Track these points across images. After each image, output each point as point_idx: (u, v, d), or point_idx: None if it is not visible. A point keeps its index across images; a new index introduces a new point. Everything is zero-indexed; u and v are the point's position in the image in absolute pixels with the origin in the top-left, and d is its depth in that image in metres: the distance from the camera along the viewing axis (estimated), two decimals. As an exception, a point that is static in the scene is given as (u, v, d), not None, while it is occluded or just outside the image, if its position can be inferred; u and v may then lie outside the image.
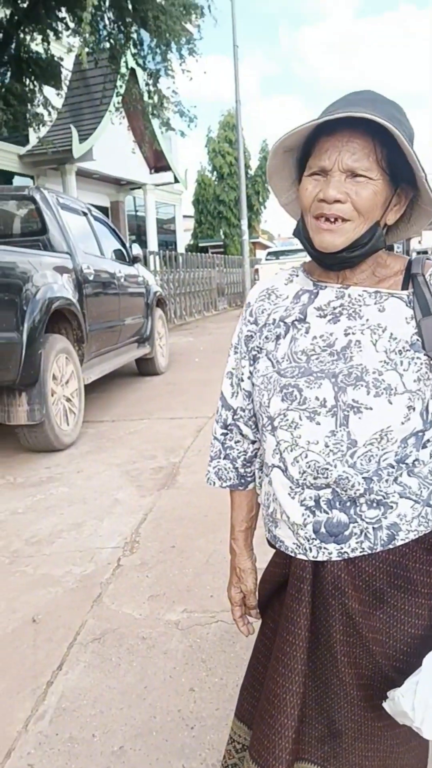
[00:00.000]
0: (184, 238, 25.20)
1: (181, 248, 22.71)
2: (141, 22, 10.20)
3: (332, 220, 1.01)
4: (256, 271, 17.10)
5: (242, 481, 1.30)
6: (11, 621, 2.49)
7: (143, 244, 18.86)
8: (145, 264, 11.73)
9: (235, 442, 1.28)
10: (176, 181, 19.01)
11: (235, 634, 2.28)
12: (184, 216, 25.42)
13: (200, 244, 27.46)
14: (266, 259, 19.22)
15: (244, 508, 1.31)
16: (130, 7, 9.81)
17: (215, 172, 28.33)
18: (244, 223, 18.00)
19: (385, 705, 1.05)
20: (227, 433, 1.28)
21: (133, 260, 6.97)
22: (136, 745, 1.83)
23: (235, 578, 1.32)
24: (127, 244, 7.02)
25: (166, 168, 18.26)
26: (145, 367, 7.56)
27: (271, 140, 30.39)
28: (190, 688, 2.05)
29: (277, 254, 19.18)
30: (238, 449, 1.28)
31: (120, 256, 6.66)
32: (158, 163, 18.19)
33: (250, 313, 1.21)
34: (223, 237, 28.27)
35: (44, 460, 4.53)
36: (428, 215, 1.10)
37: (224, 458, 1.30)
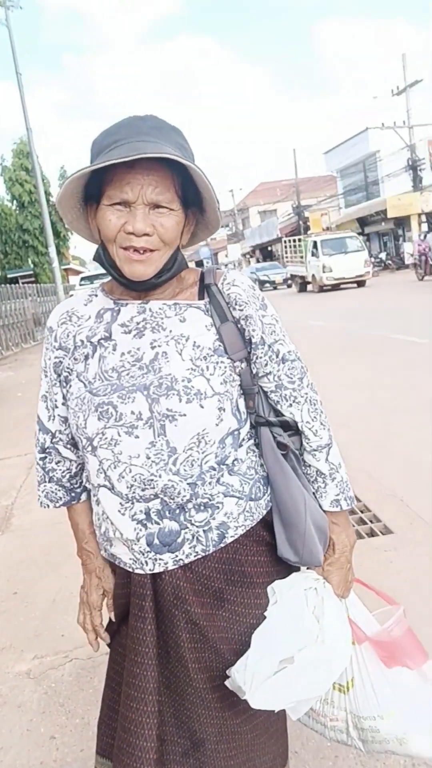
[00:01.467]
0: (-10, 271, 24.07)
1: (-12, 281, 21.64)
2: None
3: (141, 252, 1.04)
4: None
5: (73, 495, 1.28)
6: None
7: None
8: None
9: (56, 463, 1.26)
10: (-26, 212, 18.12)
11: (92, 668, 2.21)
12: (-12, 248, 24.30)
13: (9, 275, 26.41)
14: (80, 284, 19.05)
15: (89, 513, 1.27)
16: None
17: (15, 201, 27.50)
18: (52, 250, 17.70)
19: (227, 683, 1.11)
20: (46, 456, 1.26)
21: None
22: None
23: (94, 580, 1.26)
24: None
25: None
26: (-38, 410, 7.07)
27: (69, 166, 30.18)
28: (51, 736, 1.94)
29: (91, 278, 19.11)
30: (60, 469, 1.26)
31: None
32: None
33: (54, 338, 1.19)
34: (32, 266, 27.52)
35: None
36: (210, 231, 1.18)
37: (49, 481, 1.27)
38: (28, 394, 8.06)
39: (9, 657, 2.38)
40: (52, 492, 1.28)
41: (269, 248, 49.11)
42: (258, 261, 52.32)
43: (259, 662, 1.05)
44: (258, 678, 1.04)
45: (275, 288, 31.34)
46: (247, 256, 54.50)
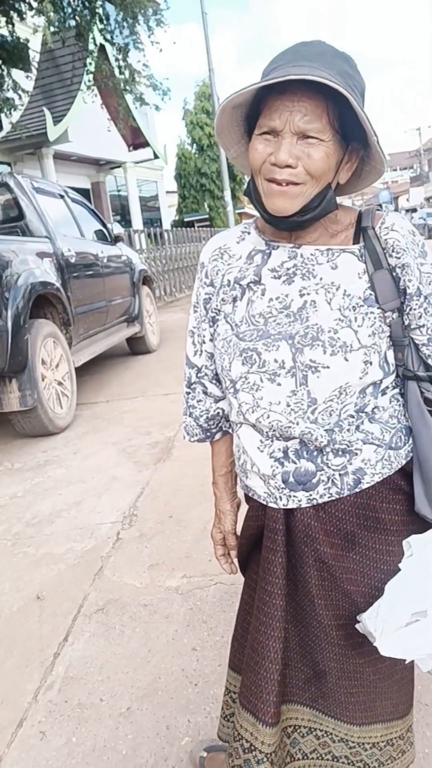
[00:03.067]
0: (168, 214, 24.99)
1: (166, 224, 22.54)
2: (105, -4, 9.99)
3: (284, 184, 1.00)
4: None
5: (208, 434, 1.35)
6: (16, 600, 2.56)
7: (128, 223, 18.72)
8: (131, 243, 11.65)
9: (197, 401, 1.31)
10: (156, 157, 18.75)
11: (234, 594, 2.34)
12: (167, 192, 25.18)
13: (185, 219, 27.20)
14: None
15: (223, 455, 1.37)
16: (92, -20, 9.61)
17: (195, 145, 27.95)
18: (228, 194, 17.81)
19: (358, 626, 1.11)
20: (190, 392, 1.32)
21: (115, 240, 6.93)
22: (143, 705, 1.89)
23: (216, 519, 1.39)
24: (109, 225, 6.98)
25: (145, 144, 18.00)
26: (136, 346, 7.57)
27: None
28: (193, 648, 2.11)
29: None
30: (200, 408, 1.32)
31: (101, 237, 6.63)
32: (136, 140, 17.93)
33: (205, 274, 1.22)
34: (208, 210, 27.99)
35: (41, 444, 4.57)
36: (378, 172, 1.10)
37: (189, 416, 1.34)
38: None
39: (161, 573, 2.60)
40: (191, 426, 1.35)
41: (456, 191, 45.25)
42: (442, 205, 48.50)
43: (391, 611, 1.05)
44: (389, 627, 1.04)
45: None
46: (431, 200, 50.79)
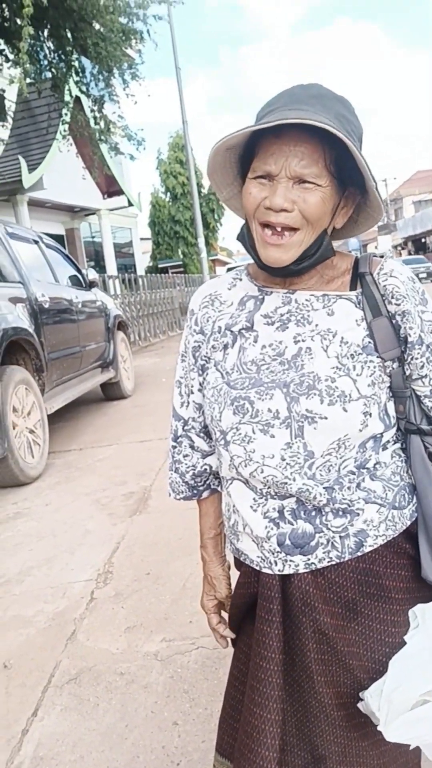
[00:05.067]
0: (143, 261, 25.21)
1: (140, 270, 22.68)
2: (81, 50, 10.19)
3: (279, 230, 0.96)
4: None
5: (194, 492, 1.25)
6: (-19, 669, 2.36)
7: (102, 269, 18.78)
8: (105, 288, 11.65)
9: (184, 456, 1.23)
10: (130, 204, 19.00)
11: (218, 659, 2.19)
12: (142, 238, 25.45)
13: (159, 265, 27.52)
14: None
15: (211, 515, 1.27)
16: (69, 35, 9.80)
17: (168, 193, 28.53)
18: (201, 241, 18.08)
19: (360, 705, 1.02)
20: (176, 446, 1.24)
21: (90, 285, 6.89)
22: (120, 790, 1.72)
23: (207, 586, 1.28)
24: (84, 270, 6.94)
25: (119, 192, 18.23)
26: (111, 392, 7.45)
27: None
28: (174, 722, 1.95)
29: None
30: (186, 464, 1.23)
31: (76, 282, 6.58)
32: (111, 187, 18.17)
33: (195, 322, 1.16)
34: (182, 256, 28.38)
35: (10, 495, 4.38)
36: (375, 218, 1.07)
37: (174, 471, 1.26)
38: (171, 380, 8.27)
39: (139, 636, 2.44)
40: (176, 483, 1.26)
41: (423, 240, 46.77)
42: (410, 254, 50.08)
43: (396, 691, 0.95)
44: (394, 709, 0.94)
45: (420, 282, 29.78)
46: (399, 248, 52.35)
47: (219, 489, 1.25)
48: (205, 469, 1.23)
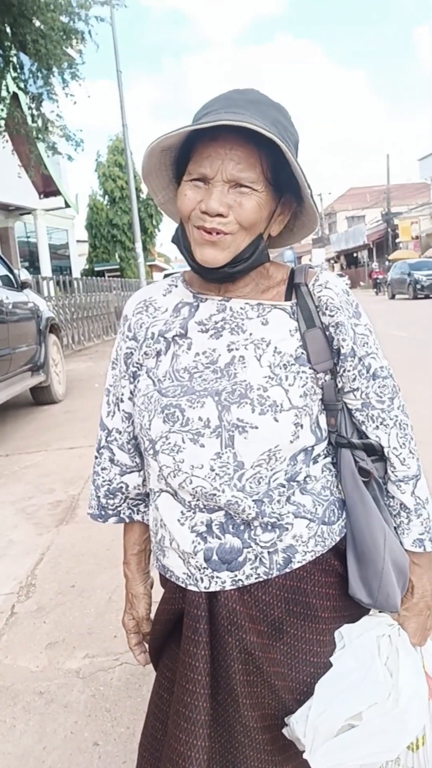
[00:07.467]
0: (79, 263, 24.79)
1: (76, 273, 22.29)
2: (20, 46, 9.96)
3: (213, 233, 0.94)
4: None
5: (102, 513, 1.20)
6: None
7: (36, 270, 18.34)
8: (39, 290, 11.35)
9: (102, 469, 1.18)
10: (67, 205, 18.68)
11: (142, 675, 2.13)
12: (78, 241, 25.04)
13: (96, 269, 27.14)
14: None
15: (136, 531, 1.22)
16: (8, 30, 9.57)
17: (107, 197, 28.23)
18: (139, 246, 17.94)
19: (284, 731, 1.00)
20: (97, 457, 1.19)
21: (22, 286, 6.68)
22: None
23: (128, 604, 1.23)
24: (16, 270, 6.73)
25: (56, 193, 17.89)
26: (40, 396, 7.24)
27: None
28: (94, 742, 1.88)
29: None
30: (102, 477, 1.18)
31: (7, 282, 6.36)
32: (47, 188, 17.79)
33: (128, 328, 1.12)
34: (118, 260, 28.12)
35: None
36: (311, 227, 1.07)
37: (92, 483, 1.21)
38: (104, 385, 8.16)
39: (60, 653, 2.34)
40: (91, 497, 1.21)
41: (355, 255, 48.19)
42: (342, 267, 51.48)
43: (322, 716, 0.92)
44: (320, 734, 0.91)
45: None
46: (332, 261, 53.73)
47: (130, 518, 1.20)
48: (121, 488, 1.17)
